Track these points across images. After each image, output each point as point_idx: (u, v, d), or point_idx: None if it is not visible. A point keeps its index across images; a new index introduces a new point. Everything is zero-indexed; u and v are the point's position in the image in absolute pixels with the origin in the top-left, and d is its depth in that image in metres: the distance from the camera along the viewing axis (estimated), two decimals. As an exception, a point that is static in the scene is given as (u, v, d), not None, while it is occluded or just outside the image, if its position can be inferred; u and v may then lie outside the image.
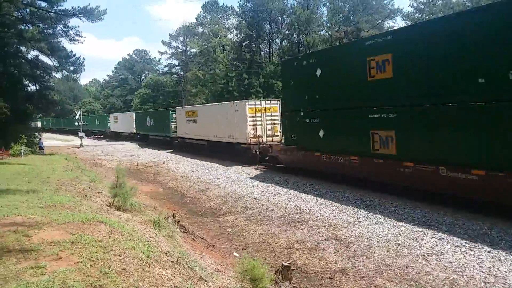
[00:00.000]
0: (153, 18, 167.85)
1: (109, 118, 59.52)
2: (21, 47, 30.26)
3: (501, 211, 10.14)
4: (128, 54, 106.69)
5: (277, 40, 60.20)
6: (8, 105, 25.19)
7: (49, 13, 28.59)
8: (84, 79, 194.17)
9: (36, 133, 34.39)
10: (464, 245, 8.45)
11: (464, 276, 7.18)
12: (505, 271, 7.18)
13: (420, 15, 48.49)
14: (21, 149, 23.02)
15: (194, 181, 19.22)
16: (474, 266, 7.51)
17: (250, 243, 10.20)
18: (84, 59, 31.77)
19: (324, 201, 13.14)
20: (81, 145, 42.21)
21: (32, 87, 32.51)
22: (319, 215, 11.58)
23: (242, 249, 9.78)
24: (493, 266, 7.41)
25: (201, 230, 11.56)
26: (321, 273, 8.05)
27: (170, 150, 34.77)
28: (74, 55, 31.48)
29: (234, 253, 9.55)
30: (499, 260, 7.65)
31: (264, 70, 54.17)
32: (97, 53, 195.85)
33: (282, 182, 16.94)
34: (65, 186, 12.18)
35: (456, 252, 8.17)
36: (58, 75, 34.62)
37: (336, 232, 10.09)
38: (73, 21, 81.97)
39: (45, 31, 29.73)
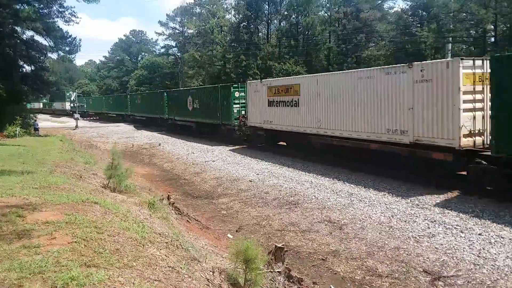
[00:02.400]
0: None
1: (129, 99, 48.43)
2: (16, 27, 29.84)
3: (493, 194, 10.25)
4: (124, 35, 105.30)
5: (275, 21, 59.48)
6: (3, 86, 24.98)
7: (45, -8, 28.15)
8: (79, 60, 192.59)
9: (31, 114, 34.20)
10: (455, 228, 8.56)
11: (454, 258, 7.30)
12: (495, 253, 7.30)
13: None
14: (16, 130, 22.94)
15: (190, 163, 19.26)
16: (464, 248, 7.63)
17: (244, 225, 10.30)
18: (80, 39, 31.40)
19: (318, 183, 13.22)
20: (77, 126, 42.02)
21: (27, 68, 32.23)
22: (313, 197, 11.67)
23: (236, 231, 9.88)
24: (483, 248, 7.53)
25: (195, 212, 11.65)
26: (314, 255, 8.17)
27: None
28: (70, 36, 31.10)
29: (228, 235, 9.66)
30: (490, 242, 7.77)
31: (262, 52, 53.70)
32: (91, 33, 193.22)
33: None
34: (60, 167, 12.19)
35: (447, 235, 8.29)
36: (54, 55, 34.35)
37: (330, 214, 10.19)
38: (68, 1, 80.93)
39: (40, 11, 29.22)
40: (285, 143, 20.90)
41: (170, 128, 34.71)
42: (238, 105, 23.77)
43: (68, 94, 72.57)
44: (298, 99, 17.53)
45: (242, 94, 23.56)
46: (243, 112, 23.11)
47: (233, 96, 23.84)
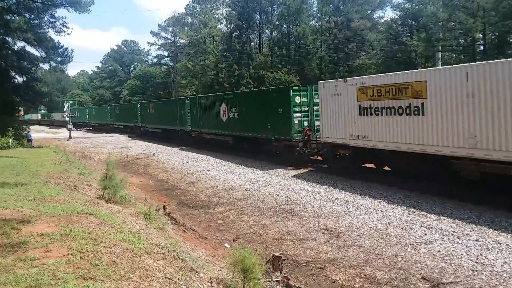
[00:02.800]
0: (139, 8, 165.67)
1: (139, 108, 41.54)
2: (7, 38, 29.70)
3: (489, 200, 10.30)
4: (116, 45, 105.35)
5: (267, 30, 59.85)
6: (-5, 97, 24.79)
7: (36, 3, 28.04)
8: (71, 70, 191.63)
9: (24, 126, 33.90)
10: (452, 234, 8.57)
11: (452, 264, 7.29)
12: (492, 259, 7.31)
13: (409, 5, 48.54)
14: (9, 142, 22.71)
15: (185, 173, 19.17)
16: (462, 254, 7.63)
17: (241, 234, 10.23)
18: (72, 50, 31.29)
19: (314, 191, 13.20)
20: (70, 137, 41.79)
21: (19, 79, 32.01)
22: (309, 205, 11.65)
23: (233, 240, 9.81)
24: (481, 254, 7.53)
25: (192, 221, 11.56)
26: (312, 263, 8.12)
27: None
28: (62, 46, 30.96)
29: (225, 245, 9.58)
30: (487, 248, 7.78)
31: (255, 61, 53.94)
32: (83, 43, 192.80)
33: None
34: (54, 179, 12.06)
35: (445, 241, 8.29)
36: (46, 66, 34.13)
37: (327, 222, 10.16)
38: (60, 12, 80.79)
39: (31, 21, 29.13)
40: (373, 165, 15.74)
41: (194, 142, 28.93)
42: (299, 114, 18.02)
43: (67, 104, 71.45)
44: (422, 104, 11.77)
45: (305, 99, 18.19)
46: (306, 123, 17.99)
47: (293, 102, 17.96)
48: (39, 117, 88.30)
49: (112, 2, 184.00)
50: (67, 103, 53.39)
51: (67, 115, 48.96)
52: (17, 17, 27.48)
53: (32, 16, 29.17)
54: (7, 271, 4.39)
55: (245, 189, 14.47)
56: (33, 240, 5.46)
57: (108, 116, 52.98)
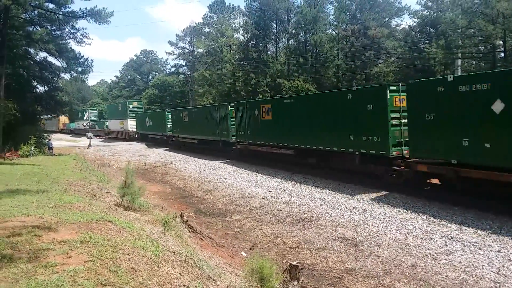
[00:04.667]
0: (154, 19, 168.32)
1: (170, 116, 37.53)
2: (29, 49, 30.56)
3: (511, 210, 10.06)
4: (135, 55, 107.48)
5: (283, 39, 60.13)
6: (18, 106, 25.44)
7: (57, 15, 28.78)
8: (91, 80, 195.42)
9: (45, 134, 34.64)
10: (473, 245, 8.39)
11: (474, 276, 7.13)
12: (515, 271, 7.12)
13: (428, 12, 48.14)
14: (30, 150, 23.22)
15: (202, 181, 19.27)
16: (483, 265, 7.46)
17: (258, 243, 10.20)
18: (92, 60, 31.94)
19: (331, 200, 13.11)
20: (90, 145, 42.43)
21: (40, 88, 32.83)
22: (326, 214, 11.56)
23: (250, 249, 9.79)
24: (503, 266, 7.35)
25: (209, 229, 11.59)
26: (329, 273, 8.04)
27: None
28: (82, 56, 31.68)
29: (242, 253, 9.57)
30: (509, 259, 7.59)
31: (271, 70, 54.12)
32: (101, 54, 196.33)
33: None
34: (74, 186, 12.28)
35: (466, 252, 8.12)
36: (66, 76, 34.90)
37: (344, 231, 10.06)
38: (80, 23, 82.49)
39: (53, 32, 29.91)
40: None
41: (240, 155, 24.85)
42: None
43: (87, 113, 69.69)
44: None
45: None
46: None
47: (389, 105, 13.41)
48: (61, 126, 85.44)
49: (129, 13, 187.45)
50: (87, 112, 54.27)
51: (87, 124, 49.83)
52: (39, 29, 28.22)
53: (54, 27, 29.93)
54: (29, 277, 4.47)
55: (262, 197, 14.46)
56: (54, 247, 5.55)
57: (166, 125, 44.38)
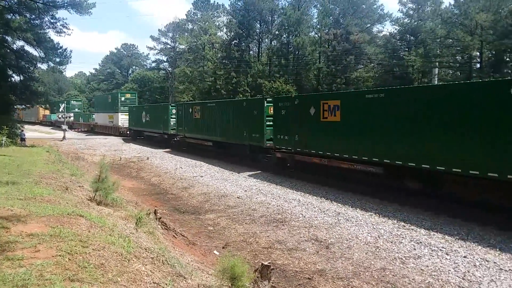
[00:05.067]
0: (137, 13, 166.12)
1: (173, 112, 31.84)
2: (7, 37, 29.65)
3: (479, 217, 10.37)
4: (116, 48, 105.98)
5: (266, 40, 60.26)
6: (-9, 95, 24.72)
7: (37, 3, 28.05)
8: (68, 71, 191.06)
9: (18, 124, 33.75)
10: (441, 250, 8.62)
11: (440, 280, 7.33)
12: (480, 276, 7.36)
13: (408, 21, 49.10)
14: (2, 140, 22.60)
15: (177, 178, 19.15)
16: (449, 270, 7.67)
17: (231, 242, 10.22)
18: (71, 51, 31.26)
19: (306, 202, 13.23)
20: (64, 138, 41.57)
21: (16, 78, 31.91)
22: (300, 215, 11.67)
23: (223, 248, 9.80)
24: (468, 271, 7.58)
25: (182, 227, 11.54)
26: (300, 274, 8.13)
27: None
28: (61, 47, 30.94)
29: (215, 251, 9.58)
30: (474, 265, 7.83)
31: (253, 70, 54.18)
32: (80, 45, 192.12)
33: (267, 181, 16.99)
34: (46, 178, 12.02)
35: (433, 256, 8.33)
36: (44, 66, 34.04)
37: (317, 233, 10.18)
38: (60, 13, 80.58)
39: (32, 21, 29.16)
40: None
41: (279, 166, 19.18)
42: None
43: (71, 104, 64.99)
44: None
45: None
46: None
47: None
48: (41, 117, 77.49)
49: (111, 5, 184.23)
50: (63, 104, 53.06)
51: (62, 116, 48.68)
52: (17, 17, 27.49)
53: (33, 16, 29.19)
54: (-6, 270, 4.38)
55: (237, 197, 14.48)
56: (22, 240, 5.45)
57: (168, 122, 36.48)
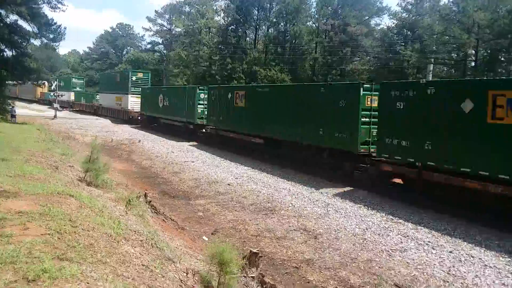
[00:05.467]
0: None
1: (201, 97, 26.22)
2: (0, 10, 29.09)
3: (466, 214, 10.51)
4: (111, 27, 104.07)
5: (264, 27, 59.92)
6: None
7: (32, -23, 27.58)
8: (62, 48, 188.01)
9: (9, 100, 33.31)
10: (427, 244, 8.74)
11: (425, 274, 7.44)
12: (464, 272, 7.48)
13: (407, 15, 49.03)
14: (-8, 116, 22.36)
15: (169, 162, 19.10)
16: (435, 264, 7.79)
17: (220, 228, 10.26)
18: (65, 28, 30.73)
19: (296, 191, 13.30)
20: (55, 116, 41.13)
21: (8, 53, 31.38)
22: (290, 205, 11.74)
23: (212, 234, 9.84)
24: (453, 266, 7.70)
25: (172, 212, 11.54)
26: (288, 262, 8.20)
27: None
28: (55, 23, 30.47)
29: (204, 237, 9.61)
30: (460, 260, 7.96)
31: (248, 56, 53.89)
32: (75, 23, 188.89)
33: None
34: (36, 157, 11.92)
35: (419, 250, 8.45)
36: (37, 42, 33.52)
37: (306, 223, 10.26)
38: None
39: (26, -5, 28.64)
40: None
41: (372, 181, 13.57)
42: None
43: (72, 82, 59.70)
44: None
45: None
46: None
47: None
48: (38, 95, 70.01)
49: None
50: (55, 82, 52.16)
51: (54, 94, 48.01)
52: (11, -10, 26.94)
53: (28, -11, 28.62)
54: (-18, 246, 4.35)
55: (228, 184, 14.50)
56: (11, 217, 5.40)
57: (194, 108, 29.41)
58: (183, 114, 27.51)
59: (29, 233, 4.95)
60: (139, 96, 36.96)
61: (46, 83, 51.77)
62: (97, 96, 50.58)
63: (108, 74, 55.11)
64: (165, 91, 32.81)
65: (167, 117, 30.79)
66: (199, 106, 26.04)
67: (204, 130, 25.49)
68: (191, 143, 25.74)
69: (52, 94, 50.32)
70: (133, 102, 37.86)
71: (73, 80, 61.96)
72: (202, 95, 26.04)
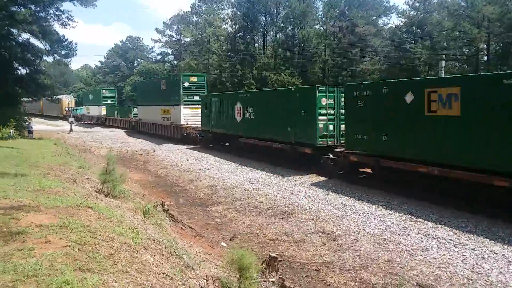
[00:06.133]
0: (141, 5, 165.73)
1: (321, 102, 16.36)
2: (12, 30, 29.71)
3: (487, 210, 10.32)
4: (121, 41, 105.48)
5: (271, 32, 60.03)
6: (-3, 87, 24.85)
7: (42, -5, 28.11)
8: (74, 64, 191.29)
9: (26, 117, 33.92)
10: (448, 242, 8.60)
11: (448, 272, 7.31)
12: (488, 269, 7.33)
13: (415, 13, 48.64)
14: (10, 133, 22.73)
15: (184, 170, 19.20)
16: (457, 262, 7.65)
17: (238, 234, 10.25)
18: (76, 44, 31.24)
19: (313, 194, 13.22)
20: (71, 130, 41.76)
21: (22, 70, 32.01)
22: (307, 208, 11.67)
23: (230, 239, 9.84)
24: (477, 263, 7.55)
25: (189, 219, 11.58)
26: (308, 265, 8.15)
27: None
28: (66, 40, 30.98)
29: (222, 243, 9.61)
30: (483, 257, 7.80)
31: (258, 62, 54.02)
32: (85, 38, 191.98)
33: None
34: (54, 171, 12.09)
35: (441, 249, 8.31)
36: (49, 59, 34.10)
37: (324, 225, 10.18)
38: (65, 5, 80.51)
39: (37, 14, 29.19)
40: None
41: None
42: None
43: (102, 94, 54.58)
44: None
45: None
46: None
47: None
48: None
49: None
50: (69, 96, 52.91)
51: (68, 109, 48.81)
52: (23, 9, 27.51)
53: (38, 8, 29.20)
54: (6, 260, 4.41)
55: (244, 189, 14.50)
56: (32, 231, 5.48)
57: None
58: (287, 131, 17.96)
59: (50, 246, 5.01)
60: (196, 106, 28.84)
61: (71, 98, 50.72)
62: (135, 109, 43.05)
63: (148, 81, 45.23)
64: (247, 97, 22.34)
65: (251, 136, 21.21)
66: (320, 118, 16.40)
67: (339, 159, 15.33)
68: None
69: (67, 108, 51.00)
70: (188, 115, 29.72)
71: (103, 92, 55.53)
72: (323, 100, 16.55)
